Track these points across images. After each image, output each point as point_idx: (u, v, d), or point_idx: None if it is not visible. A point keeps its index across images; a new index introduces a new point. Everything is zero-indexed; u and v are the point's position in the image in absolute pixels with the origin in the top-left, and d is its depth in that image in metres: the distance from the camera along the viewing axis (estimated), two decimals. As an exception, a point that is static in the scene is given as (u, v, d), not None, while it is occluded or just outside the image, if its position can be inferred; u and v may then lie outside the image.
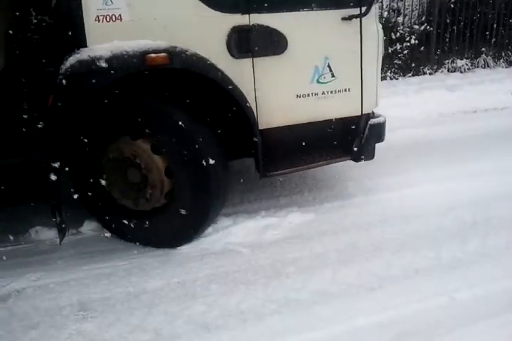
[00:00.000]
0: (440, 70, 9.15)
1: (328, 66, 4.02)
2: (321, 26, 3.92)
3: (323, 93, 4.05)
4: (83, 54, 3.35)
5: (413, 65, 9.03)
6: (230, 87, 3.64)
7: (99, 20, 3.41)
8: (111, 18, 3.43)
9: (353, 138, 4.26)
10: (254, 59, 3.78)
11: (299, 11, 3.84)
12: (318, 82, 4.02)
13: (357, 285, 3.31)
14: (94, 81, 3.34)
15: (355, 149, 4.26)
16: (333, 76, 4.05)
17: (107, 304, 3.21)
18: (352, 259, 3.61)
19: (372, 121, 4.28)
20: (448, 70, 9.18)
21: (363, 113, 4.24)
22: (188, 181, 3.62)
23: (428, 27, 9.13)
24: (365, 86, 4.16)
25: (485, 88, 8.00)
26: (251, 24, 3.69)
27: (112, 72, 3.35)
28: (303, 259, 3.61)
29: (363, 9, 3.94)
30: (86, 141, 3.67)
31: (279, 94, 3.92)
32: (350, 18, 3.94)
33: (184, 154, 3.56)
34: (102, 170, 3.79)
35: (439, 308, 3.06)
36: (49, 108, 3.41)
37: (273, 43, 3.78)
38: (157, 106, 3.58)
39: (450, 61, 9.21)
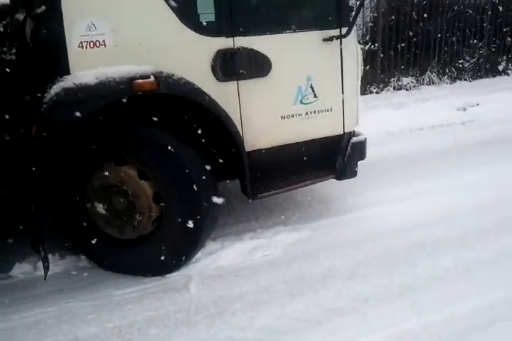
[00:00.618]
0: (386, 89, 9.22)
1: (311, 87, 4.04)
2: (303, 47, 3.94)
3: (307, 113, 4.07)
4: (68, 81, 3.26)
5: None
6: (217, 111, 3.62)
7: (82, 47, 3.33)
8: (95, 44, 3.36)
9: (336, 156, 4.29)
10: (239, 82, 3.76)
11: (281, 33, 3.85)
12: (301, 102, 4.03)
13: (304, 319, 3.18)
14: (80, 109, 3.25)
15: (339, 168, 4.28)
16: (315, 96, 4.07)
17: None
18: (300, 291, 3.48)
19: (354, 139, 4.32)
20: (394, 88, 9.27)
21: (345, 132, 4.27)
22: (179, 206, 3.56)
23: (372, 46, 9.20)
24: (347, 105, 4.20)
25: (430, 105, 8.10)
26: (235, 47, 3.68)
27: (99, 99, 3.28)
28: (249, 295, 3.48)
29: (344, 30, 3.99)
30: (69, 169, 3.56)
31: (264, 115, 3.91)
32: (331, 39, 3.97)
33: (174, 179, 3.50)
34: (86, 198, 3.68)
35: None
36: (32, 138, 3.30)
37: (257, 66, 3.78)
38: (145, 131, 3.51)
39: (396, 79, 9.31)
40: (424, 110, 7.80)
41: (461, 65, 9.82)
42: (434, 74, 9.58)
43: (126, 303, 3.41)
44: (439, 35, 9.48)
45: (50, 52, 3.39)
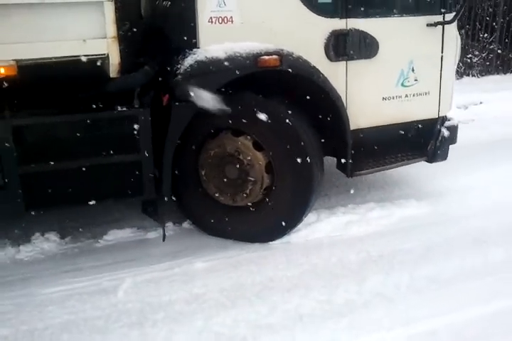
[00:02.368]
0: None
1: (413, 70, 4.20)
2: (408, 31, 4.10)
3: (406, 96, 4.23)
4: (200, 55, 3.48)
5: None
6: (329, 90, 3.80)
7: (212, 22, 3.53)
8: (223, 19, 3.55)
9: (429, 139, 4.43)
10: (348, 62, 3.93)
11: (390, 16, 4.01)
12: (402, 85, 4.20)
13: (229, 336, 2.97)
14: (211, 81, 3.46)
15: (431, 150, 4.43)
16: (416, 79, 4.22)
17: None
18: (235, 302, 3.28)
19: (447, 123, 4.47)
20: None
21: (440, 115, 4.42)
22: (291, 177, 3.76)
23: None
24: (443, 89, 4.35)
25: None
26: (348, 28, 3.84)
27: (228, 72, 3.48)
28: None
29: (449, 16, 4.12)
30: (187, 138, 3.76)
31: (368, 96, 4.09)
32: (436, 24, 4.12)
33: (289, 150, 3.70)
34: (200, 167, 3.89)
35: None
36: (164, 107, 3.52)
37: (366, 47, 3.95)
38: (265, 105, 3.70)
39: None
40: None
41: (469, 60, 9.53)
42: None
43: (51, 303, 3.25)
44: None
45: (181, 25, 3.60)
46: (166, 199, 3.66)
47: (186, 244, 3.97)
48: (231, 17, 3.56)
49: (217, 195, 3.93)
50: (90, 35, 3.19)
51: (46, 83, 3.29)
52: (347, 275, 3.53)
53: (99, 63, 3.32)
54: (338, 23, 3.83)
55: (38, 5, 3.05)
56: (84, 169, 3.49)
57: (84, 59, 3.19)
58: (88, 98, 3.45)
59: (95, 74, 3.38)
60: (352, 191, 4.54)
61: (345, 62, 3.93)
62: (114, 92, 3.53)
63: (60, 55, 3.16)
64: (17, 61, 3.09)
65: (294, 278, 3.51)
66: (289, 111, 3.72)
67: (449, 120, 4.53)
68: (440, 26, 4.16)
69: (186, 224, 4.21)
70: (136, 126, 3.52)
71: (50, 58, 3.15)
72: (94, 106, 3.44)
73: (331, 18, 3.81)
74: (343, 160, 4.07)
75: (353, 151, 4.01)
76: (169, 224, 4.14)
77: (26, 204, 3.43)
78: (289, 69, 3.63)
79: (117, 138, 3.55)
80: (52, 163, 3.40)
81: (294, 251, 3.85)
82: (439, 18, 4.15)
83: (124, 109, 3.51)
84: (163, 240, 3.79)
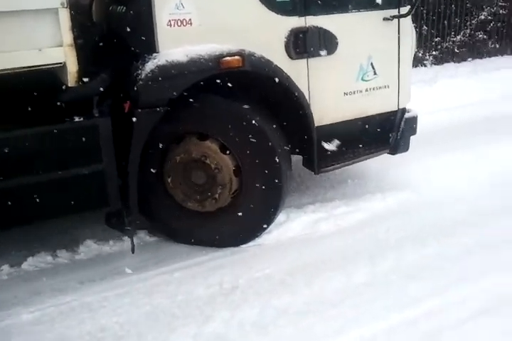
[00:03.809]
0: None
1: (371, 64, 4.22)
2: (365, 26, 4.11)
3: (367, 90, 4.25)
4: (160, 59, 3.38)
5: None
6: (292, 88, 3.77)
7: (170, 25, 3.43)
8: (182, 22, 3.46)
9: (390, 132, 4.48)
10: (309, 59, 3.91)
11: (347, 12, 4.01)
12: (362, 79, 4.21)
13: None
14: (174, 85, 3.38)
15: (393, 142, 4.48)
16: (375, 73, 4.25)
17: None
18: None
19: (407, 115, 4.52)
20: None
21: (400, 108, 4.46)
22: (261, 178, 3.72)
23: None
24: (401, 82, 4.40)
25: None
26: (307, 26, 3.81)
27: (191, 76, 3.41)
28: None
29: (402, 10, 4.15)
30: (151, 144, 3.66)
31: (330, 92, 4.08)
32: (392, 18, 4.14)
33: (258, 152, 3.66)
34: (166, 173, 3.80)
35: None
36: (125, 114, 3.40)
37: (326, 44, 3.93)
38: (231, 107, 3.64)
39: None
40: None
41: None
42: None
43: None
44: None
45: (138, 30, 3.48)
46: (133, 209, 3.56)
47: (157, 253, 3.88)
48: (190, 19, 3.47)
49: (185, 201, 3.85)
50: (46, 43, 3.04)
51: (1, 96, 3.12)
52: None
53: (56, 72, 3.17)
54: (297, 21, 3.79)
55: (-11, 15, 2.88)
56: (44, 183, 3.34)
57: (40, 69, 3.04)
58: (45, 109, 3.30)
59: (52, 84, 3.24)
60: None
61: (306, 59, 3.89)
62: (71, 102, 3.39)
63: (14, 66, 3.00)
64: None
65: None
66: (255, 112, 3.67)
67: (408, 111, 4.58)
68: (396, 20, 4.19)
69: (154, 233, 4.10)
70: (97, 136, 3.40)
71: (5, 70, 2.98)
72: (52, 117, 3.29)
73: (289, 16, 3.77)
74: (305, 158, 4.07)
75: (322, 148, 3.99)
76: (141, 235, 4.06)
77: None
78: (252, 69, 3.57)
79: (79, 149, 3.40)
80: (10, 179, 3.24)
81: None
82: (394, 12, 4.17)
83: (83, 118, 3.38)
84: (133, 252, 3.68)
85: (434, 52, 9.28)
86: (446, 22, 9.28)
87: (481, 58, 9.70)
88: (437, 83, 7.96)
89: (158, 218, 3.97)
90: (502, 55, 9.95)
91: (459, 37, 9.50)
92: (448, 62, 9.38)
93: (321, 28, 3.88)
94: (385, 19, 4.15)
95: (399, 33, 4.25)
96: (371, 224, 4.14)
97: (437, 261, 3.62)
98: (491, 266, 3.53)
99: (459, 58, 9.50)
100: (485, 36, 9.74)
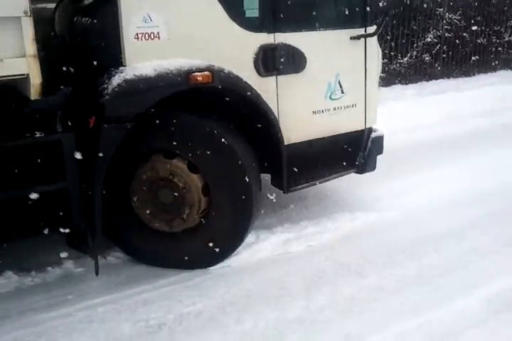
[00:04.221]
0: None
1: (339, 83, 4.21)
2: (333, 45, 4.11)
3: (335, 109, 4.23)
4: (128, 73, 3.26)
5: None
6: (262, 105, 3.71)
7: (138, 38, 3.33)
8: (149, 36, 3.36)
9: (358, 151, 4.46)
10: (278, 77, 3.86)
11: (315, 30, 4.00)
12: (330, 98, 4.19)
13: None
14: (141, 100, 3.26)
15: (360, 162, 4.46)
16: (342, 92, 4.24)
17: None
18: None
19: (374, 134, 4.51)
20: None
21: (366, 127, 4.45)
22: (230, 198, 3.61)
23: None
24: (368, 101, 4.40)
25: None
26: (276, 43, 3.78)
27: (159, 91, 3.30)
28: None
29: (368, 29, 4.18)
30: (116, 162, 3.51)
31: (299, 110, 4.04)
32: (359, 37, 4.15)
33: (227, 171, 3.56)
34: (131, 192, 3.65)
35: None
36: (90, 129, 3.26)
37: (295, 61, 3.90)
38: (199, 124, 3.53)
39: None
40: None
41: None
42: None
43: None
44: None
45: (105, 43, 3.37)
46: (97, 228, 3.38)
47: (81, 286, 3.63)
48: (158, 33, 3.38)
49: (151, 221, 3.69)
50: (8, 54, 2.89)
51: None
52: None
53: (17, 85, 3.01)
54: (266, 38, 3.75)
55: None
56: (3, 202, 3.15)
57: (1, 80, 2.88)
58: (5, 123, 3.13)
59: (13, 97, 3.08)
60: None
61: (275, 76, 3.85)
62: (32, 116, 3.23)
63: (-27, 76, 2.83)
64: None
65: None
66: (224, 129, 3.58)
67: (375, 131, 4.58)
68: (362, 40, 4.20)
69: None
70: (60, 152, 3.24)
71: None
72: (12, 132, 3.12)
73: (258, 32, 3.73)
74: (274, 177, 3.98)
75: (290, 167, 3.93)
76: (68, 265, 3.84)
77: None
78: (222, 86, 3.49)
79: (40, 166, 3.22)
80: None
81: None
82: (361, 31, 4.19)
83: (45, 134, 3.22)
84: (97, 274, 3.48)
85: (381, 74, 9.38)
86: (393, 43, 9.39)
87: (427, 81, 9.82)
88: (384, 105, 8.03)
89: (123, 238, 3.81)
90: (448, 78, 10.09)
91: (405, 59, 9.62)
92: (395, 83, 9.46)
93: (290, 46, 3.85)
94: (352, 38, 4.16)
95: (365, 52, 4.26)
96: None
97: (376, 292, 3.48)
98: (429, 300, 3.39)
99: (406, 80, 9.62)
100: (431, 59, 9.88)
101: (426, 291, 3.47)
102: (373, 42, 4.33)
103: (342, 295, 3.43)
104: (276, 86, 3.88)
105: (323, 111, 4.17)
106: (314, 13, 4.00)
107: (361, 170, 4.50)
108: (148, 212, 3.67)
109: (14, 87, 3.04)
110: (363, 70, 4.31)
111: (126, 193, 3.67)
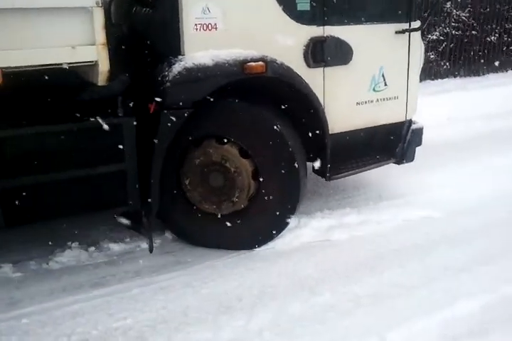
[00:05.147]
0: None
1: (383, 75, 4.33)
2: (378, 38, 4.24)
3: (377, 100, 4.36)
4: (188, 61, 3.43)
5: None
6: (311, 96, 3.86)
7: (196, 29, 3.49)
8: (207, 26, 3.52)
9: (397, 142, 4.59)
10: (325, 68, 4.01)
11: (362, 24, 4.12)
12: (374, 90, 4.33)
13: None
14: (200, 88, 3.43)
15: (399, 153, 4.59)
16: (385, 84, 4.37)
17: None
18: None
19: (414, 126, 4.64)
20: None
21: (407, 119, 4.58)
22: (278, 183, 3.78)
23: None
24: (410, 93, 4.52)
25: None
26: (325, 35, 3.92)
27: (216, 79, 3.46)
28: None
29: (413, 24, 4.30)
30: (171, 146, 3.68)
31: (343, 101, 4.18)
32: (404, 31, 4.27)
33: (277, 157, 3.72)
34: (184, 176, 3.83)
35: None
36: (150, 115, 3.44)
37: (342, 54, 4.04)
38: (251, 111, 3.70)
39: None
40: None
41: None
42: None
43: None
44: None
45: (164, 33, 3.54)
46: (154, 209, 3.57)
47: (59, 283, 3.54)
48: (215, 24, 3.54)
49: (201, 203, 3.88)
50: (79, 41, 3.07)
51: (30, 92, 3.14)
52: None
53: (87, 71, 3.20)
54: (316, 31, 3.90)
55: (25, 10, 2.90)
56: (66, 181, 3.35)
57: (73, 66, 3.07)
58: (70, 107, 3.32)
59: (82, 82, 3.27)
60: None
61: (322, 68, 4.00)
62: (96, 101, 3.42)
63: (48, 62, 3.02)
64: (2, 69, 2.93)
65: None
66: (275, 117, 3.74)
67: (415, 123, 4.70)
68: (407, 33, 4.32)
69: (60, 260, 3.81)
70: (120, 135, 3.42)
71: (38, 66, 3.00)
72: (76, 115, 3.31)
73: (309, 25, 3.87)
74: (317, 165, 4.12)
75: (334, 155, 4.07)
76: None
77: (6, 218, 3.25)
78: (274, 76, 3.65)
79: (102, 148, 3.42)
80: (32, 176, 3.24)
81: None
82: (405, 26, 4.30)
83: (108, 118, 3.40)
84: (151, 251, 3.69)
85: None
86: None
87: (432, 79, 9.50)
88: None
89: (173, 219, 3.98)
90: (455, 77, 9.84)
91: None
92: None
93: (338, 38, 3.99)
94: (397, 32, 4.28)
95: (409, 46, 4.38)
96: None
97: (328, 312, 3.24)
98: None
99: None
100: (437, 57, 9.61)
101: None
102: (417, 36, 4.45)
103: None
104: (324, 77, 4.02)
105: (366, 102, 4.31)
106: (362, 7, 4.15)
107: (400, 161, 4.63)
108: (198, 194, 3.84)
109: (78, 73, 3.21)
110: (406, 64, 4.43)
111: (177, 176, 3.85)
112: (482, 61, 10.11)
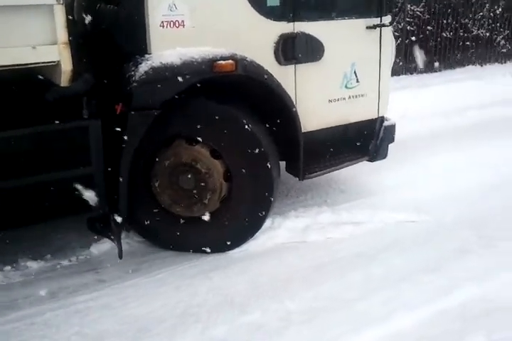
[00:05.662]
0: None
1: (355, 72, 4.27)
2: (350, 34, 4.18)
3: (350, 97, 4.30)
4: (154, 61, 3.31)
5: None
6: (283, 94, 3.77)
7: (163, 26, 3.38)
8: (174, 24, 3.41)
9: (370, 139, 4.54)
10: (296, 66, 3.93)
11: (333, 19, 4.05)
12: (346, 87, 4.27)
13: None
14: (168, 88, 3.32)
15: (372, 150, 4.54)
16: (357, 81, 4.31)
17: None
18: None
19: (386, 123, 4.60)
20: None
21: (379, 115, 4.53)
22: (251, 184, 3.69)
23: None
24: (381, 90, 4.48)
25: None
26: (296, 32, 3.83)
27: (184, 78, 3.35)
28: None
29: (385, 19, 4.24)
30: (139, 148, 3.57)
31: (315, 99, 4.11)
32: (375, 27, 4.21)
33: (250, 157, 3.62)
34: (153, 178, 3.71)
35: None
36: (117, 116, 3.32)
37: (313, 50, 3.96)
38: (222, 111, 3.60)
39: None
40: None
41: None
42: None
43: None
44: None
45: (129, 31, 3.42)
46: (122, 213, 3.45)
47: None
48: (182, 21, 3.42)
49: (172, 206, 3.77)
50: (40, 41, 2.93)
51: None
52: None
53: (49, 71, 3.06)
54: (286, 27, 3.81)
55: (-19, 9, 2.75)
56: (30, 186, 3.22)
57: (34, 67, 2.93)
58: (32, 110, 3.18)
59: (44, 83, 3.12)
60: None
61: (293, 65, 3.92)
62: (59, 103, 3.29)
63: (7, 63, 2.87)
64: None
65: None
66: (246, 117, 3.64)
67: (387, 120, 4.66)
68: (377, 29, 4.27)
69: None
70: (86, 138, 3.29)
71: (-4, 67, 2.86)
72: (39, 118, 3.17)
73: (279, 21, 3.78)
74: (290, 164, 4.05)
75: (306, 154, 4.00)
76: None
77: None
78: (244, 74, 3.55)
79: (67, 151, 3.29)
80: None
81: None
82: (376, 21, 4.25)
83: (72, 120, 3.28)
84: (120, 257, 3.57)
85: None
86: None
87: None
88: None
89: (142, 223, 3.86)
90: (411, 74, 9.61)
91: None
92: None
93: (308, 35, 3.90)
94: (367, 28, 4.22)
95: (380, 42, 4.33)
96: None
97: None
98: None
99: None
100: None
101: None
102: (388, 32, 4.39)
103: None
104: (295, 74, 3.95)
105: (339, 99, 4.24)
106: (332, 2, 4.09)
107: (373, 158, 4.59)
108: (169, 197, 3.73)
109: (45, 73, 3.07)
110: (378, 59, 4.38)
111: (147, 178, 3.73)
112: (438, 57, 9.98)
